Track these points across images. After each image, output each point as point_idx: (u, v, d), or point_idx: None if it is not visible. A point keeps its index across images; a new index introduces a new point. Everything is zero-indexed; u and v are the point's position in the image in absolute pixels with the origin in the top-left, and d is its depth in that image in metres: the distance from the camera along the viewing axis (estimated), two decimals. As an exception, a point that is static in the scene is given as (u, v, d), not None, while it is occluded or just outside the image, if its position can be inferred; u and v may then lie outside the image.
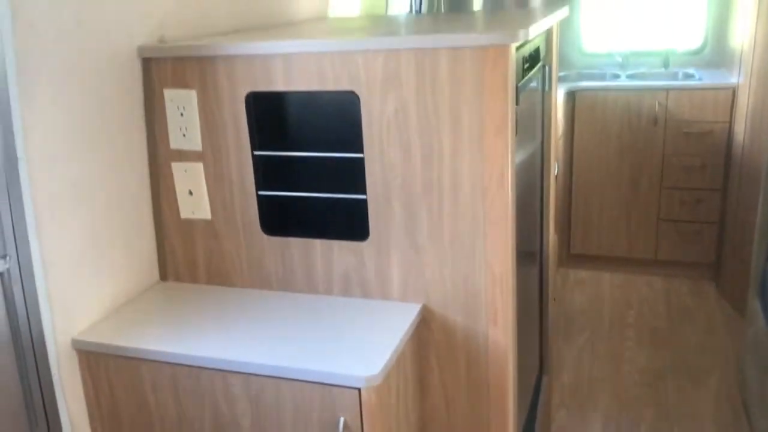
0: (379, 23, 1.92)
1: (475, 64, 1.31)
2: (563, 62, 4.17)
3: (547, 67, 2.02)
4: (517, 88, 1.38)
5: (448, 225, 1.42)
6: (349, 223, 1.50)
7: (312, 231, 1.53)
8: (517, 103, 1.40)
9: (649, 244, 3.78)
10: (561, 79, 3.96)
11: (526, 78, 1.63)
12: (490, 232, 1.40)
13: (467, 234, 1.41)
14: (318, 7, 2.35)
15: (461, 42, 1.31)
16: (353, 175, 1.46)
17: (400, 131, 1.40)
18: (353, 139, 1.43)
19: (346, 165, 1.47)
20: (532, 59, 1.79)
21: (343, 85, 1.40)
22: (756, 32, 3.16)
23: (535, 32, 1.42)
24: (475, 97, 1.33)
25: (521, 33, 1.29)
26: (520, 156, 1.59)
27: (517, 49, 1.41)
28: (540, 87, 2.01)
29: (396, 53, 1.35)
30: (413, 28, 1.66)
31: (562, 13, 1.98)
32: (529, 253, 1.93)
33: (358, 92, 1.39)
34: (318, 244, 1.52)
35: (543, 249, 2.26)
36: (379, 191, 1.44)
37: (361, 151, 1.43)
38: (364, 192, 1.46)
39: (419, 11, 3.54)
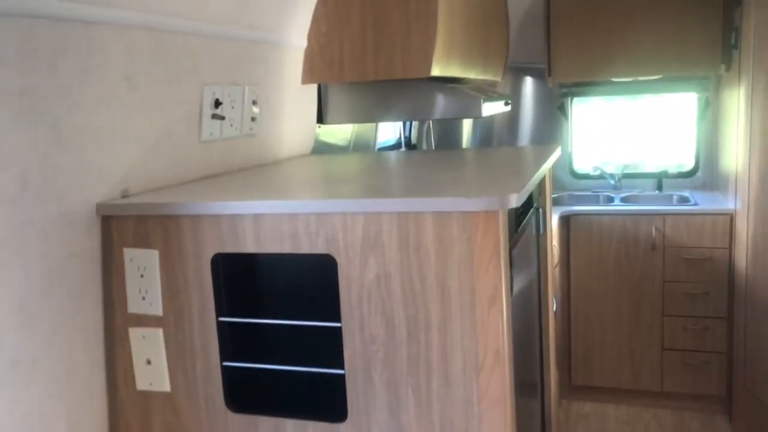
0: (364, 166, 1.83)
1: (463, 229, 1.19)
2: (555, 184, 4.12)
3: (540, 210, 1.91)
4: (511, 254, 1.25)
5: (437, 407, 1.25)
6: (325, 400, 1.33)
7: (283, 408, 1.34)
8: (511, 268, 1.27)
9: (655, 375, 3.57)
10: (553, 202, 3.89)
11: (519, 229, 1.51)
12: (485, 416, 1.22)
13: (459, 419, 1.23)
14: (301, 142, 2.27)
15: (448, 206, 1.19)
16: (329, 347, 1.30)
17: (382, 299, 1.25)
18: (330, 306, 1.28)
19: (321, 335, 1.31)
20: (525, 205, 1.68)
21: (319, 249, 1.26)
22: (750, 160, 3.11)
23: (528, 191, 1.31)
24: (465, 264, 1.20)
25: (513, 198, 1.18)
26: (516, 287, 1.45)
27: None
28: (534, 230, 1.90)
29: (377, 216, 1.23)
30: (398, 181, 1.55)
31: (555, 155, 1.90)
32: (529, 386, 1.75)
33: (335, 256, 1.26)
34: (290, 426, 1.33)
35: (544, 383, 2.08)
36: (359, 366, 1.28)
37: (339, 320, 1.28)
38: (341, 366, 1.29)
39: (408, 139, 3.51)
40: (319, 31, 2.10)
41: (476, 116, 2.29)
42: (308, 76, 2.12)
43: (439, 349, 1.23)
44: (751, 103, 3.08)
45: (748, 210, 3.15)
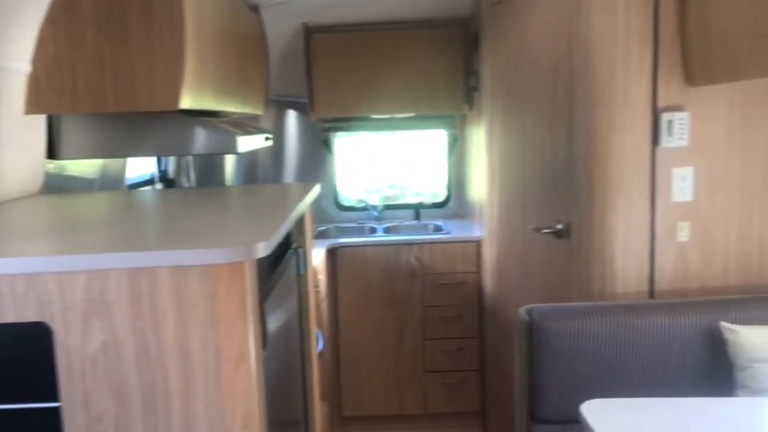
0: (100, 210, 1.62)
1: (205, 284, 1.08)
2: (321, 216, 4.15)
3: (300, 250, 1.86)
4: (262, 306, 1.16)
5: (181, 485, 1.11)
6: (43, 496, 1.11)
7: None
8: (264, 318, 1.18)
9: (419, 398, 3.73)
10: (320, 234, 3.91)
11: (276, 273, 1.43)
12: (235, 489, 1.11)
13: (206, 496, 1.11)
14: (25, 181, 1.96)
15: (187, 259, 1.07)
16: (47, 432, 1.09)
17: (110, 370, 1.08)
18: (45, 383, 1.08)
19: (36, 419, 1.10)
20: (283, 246, 1.61)
21: (28, 315, 1.06)
22: (491, 191, 3.41)
23: (279, 237, 1.24)
24: (208, 323, 1.08)
25: (260, 248, 1.10)
26: (276, 328, 1.36)
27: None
28: (294, 270, 1.84)
29: (103, 273, 1.06)
30: (134, 228, 1.38)
31: (313, 194, 1.86)
32: (292, 424, 1.67)
33: (50, 324, 1.06)
34: None
35: (308, 420, 2.01)
36: (85, 450, 1.09)
37: (57, 399, 1.08)
38: (62, 453, 1.09)
39: (164, 174, 3.27)
40: (46, 55, 1.84)
41: (232, 152, 2.19)
42: (33, 106, 1.85)
43: (182, 419, 1.10)
44: (489, 140, 3.39)
45: (491, 237, 3.44)
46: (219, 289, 1.08)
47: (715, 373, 2.37)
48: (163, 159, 3.27)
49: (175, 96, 1.89)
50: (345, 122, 4.16)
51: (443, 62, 3.73)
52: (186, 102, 1.93)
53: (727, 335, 2.33)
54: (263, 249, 1.11)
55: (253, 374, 1.11)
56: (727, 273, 2.59)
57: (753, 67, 2.13)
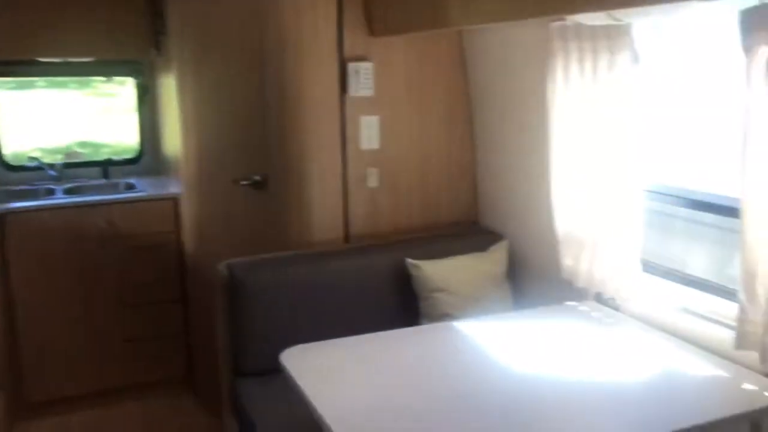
0: None
1: None
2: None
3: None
4: None
5: None
6: None
7: None
8: None
9: (119, 370, 3.44)
10: (-19, 200, 3.31)
11: None
12: None
13: None
14: None
15: None
16: None
17: None
18: None
19: None
20: None
21: None
22: (187, 144, 3.22)
23: None
24: None
25: None
26: None
27: None
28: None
29: None
30: None
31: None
32: None
33: None
34: None
35: None
36: None
37: None
38: None
39: None
40: None
41: None
42: None
43: None
44: (181, 89, 3.18)
45: (189, 193, 3.26)
46: None
47: (405, 305, 2.57)
48: None
49: None
50: (7, 67, 3.54)
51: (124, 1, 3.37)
52: None
53: (412, 270, 2.54)
54: None
55: None
56: (411, 215, 2.82)
57: (424, 20, 2.29)
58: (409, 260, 2.55)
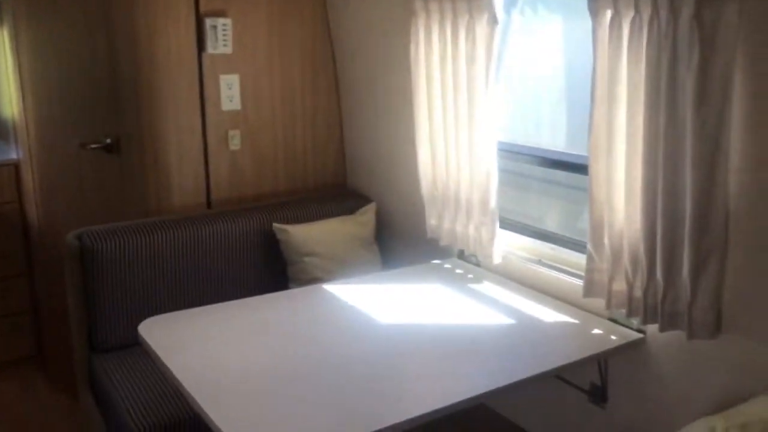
0: None
1: None
2: None
3: None
4: None
5: None
6: None
7: None
8: None
9: (-42, 355, 3.12)
10: None
11: None
12: None
13: None
14: None
15: None
16: None
17: None
18: None
19: None
20: None
21: None
22: (24, 107, 2.92)
23: None
24: None
25: None
26: None
27: None
28: None
29: None
30: None
31: None
32: None
33: None
34: None
35: None
36: None
37: None
38: None
39: None
40: None
41: None
42: None
43: None
44: (16, 46, 2.87)
45: (30, 159, 2.98)
46: None
47: (273, 271, 2.52)
48: None
49: None
50: None
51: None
52: None
53: (280, 235, 2.49)
54: None
55: None
56: (276, 179, 2.75)
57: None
58: (276, 225, 2.50)
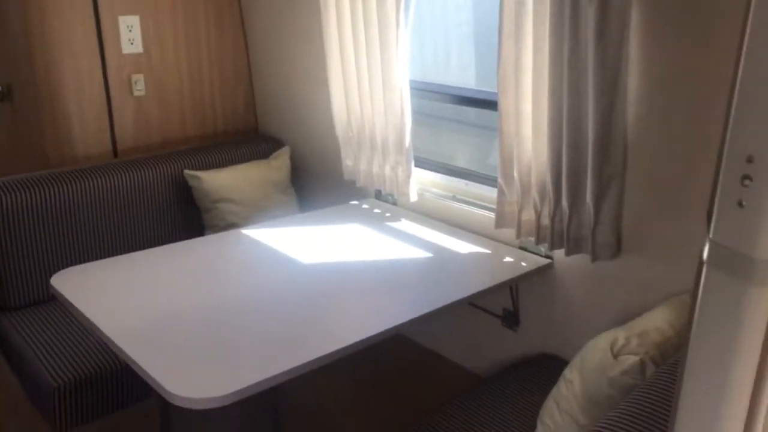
0: None
1: None
2: None
3: None
4: None
5: None
6: None
7: None
8: None
9: None
10: None
11: None
12: None
13: None
14: None
15: None
16: None
17: None
18: None
19: None
20: None
21: None
22: None
23: None
24: None
25: None
26: None
27: None
28: None
29: None
30: None
31: None
32: None
33: None
34: None
35: None
36: None
37: None
38: None
39: None
40: None
41: None
42: None
43: None
44: None
45: None
46: None
47: (187, 219, 2.47)
48: None
49: None
50: None
51: None
52: None
53: (192, 182, 2.43)
54: None
55: None
56: (185, 124, 2.67)
57: None
58: (188, 171, 2.44)
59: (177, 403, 1.25)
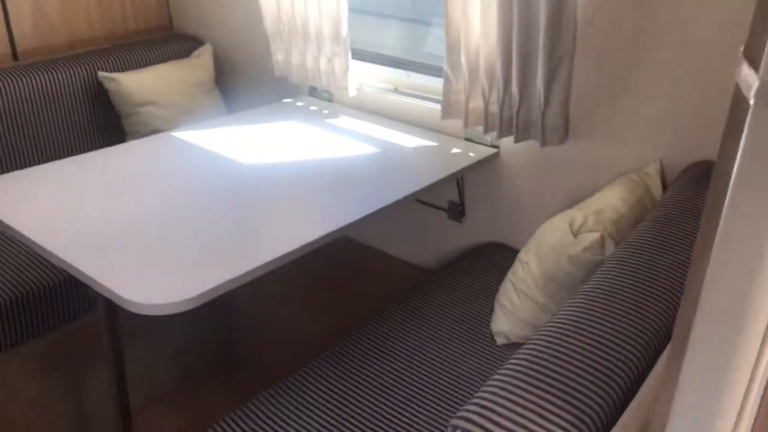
0: None
1: None
2: None
3: None
4: None
5: None
6: None
7: None
8: None
9: None
10: None
11: None
12: None
13: None
14: None
15: None
16: None
17: None
18: None
19: None
20: None
21: None
22: None
23: None
24: None
25: None
26: None
27: None
28: None
29: None
30: None
31: None
32: None
33: None
34: None
35: None
36: None
37: None
38: None
39: None
40: None
41: None
42: None
43: None
44: None
45: None
46: None
47: (106, 125, 2.29)
48: None
49: None
50: None
51: None
52: None
53: (109, 85, 2.23)
54: None
55: None
56: (91, 23, 2.42)
57: None
58: (103, 73, 2.23)
59: (135, 310, 1.17)
